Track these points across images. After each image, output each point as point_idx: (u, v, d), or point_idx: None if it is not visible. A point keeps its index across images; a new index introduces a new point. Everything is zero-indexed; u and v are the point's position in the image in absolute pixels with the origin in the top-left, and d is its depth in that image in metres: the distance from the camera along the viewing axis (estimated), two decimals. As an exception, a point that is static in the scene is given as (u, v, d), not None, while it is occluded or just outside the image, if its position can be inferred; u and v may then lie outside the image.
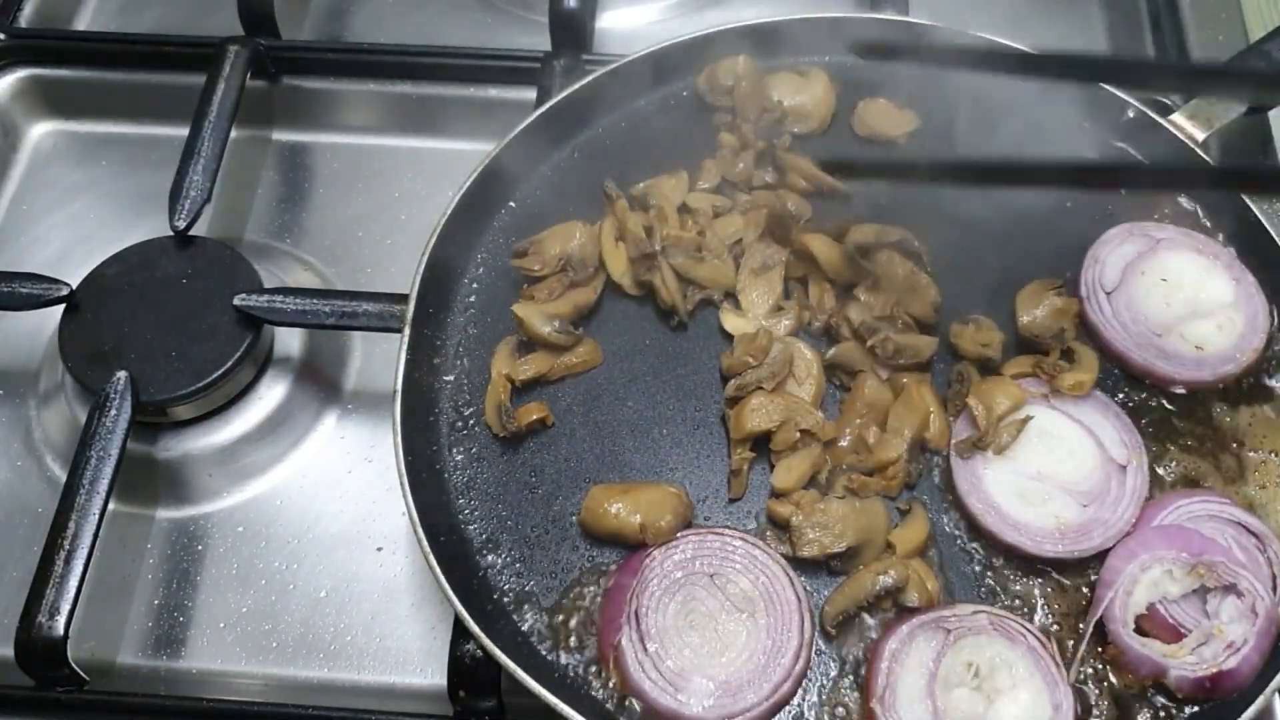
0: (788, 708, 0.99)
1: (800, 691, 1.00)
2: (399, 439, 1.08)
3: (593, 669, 1.02)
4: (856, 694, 1.00)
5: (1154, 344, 1.15)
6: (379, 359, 1.32)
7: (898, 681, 0.98)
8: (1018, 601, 1.04)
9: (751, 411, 1.09)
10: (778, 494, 1.08)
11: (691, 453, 1.13)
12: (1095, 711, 0.99)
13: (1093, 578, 1.04)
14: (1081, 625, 1.02)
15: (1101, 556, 1.05)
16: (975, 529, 1.07)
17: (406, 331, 1.14)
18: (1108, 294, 1.18)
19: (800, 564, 1.04)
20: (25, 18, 1.56)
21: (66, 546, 1.09)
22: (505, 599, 1.06)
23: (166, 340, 1.21)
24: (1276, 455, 1.11)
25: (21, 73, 1.51)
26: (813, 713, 1.00)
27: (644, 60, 1.31)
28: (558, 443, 1.14)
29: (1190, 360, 1.14)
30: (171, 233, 1.28)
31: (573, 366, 1.17)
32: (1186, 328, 1.15)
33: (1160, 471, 1.10)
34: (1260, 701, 0.97)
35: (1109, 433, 1.09)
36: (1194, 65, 1.17)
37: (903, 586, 1.01)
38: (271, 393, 1.26)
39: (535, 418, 1.13)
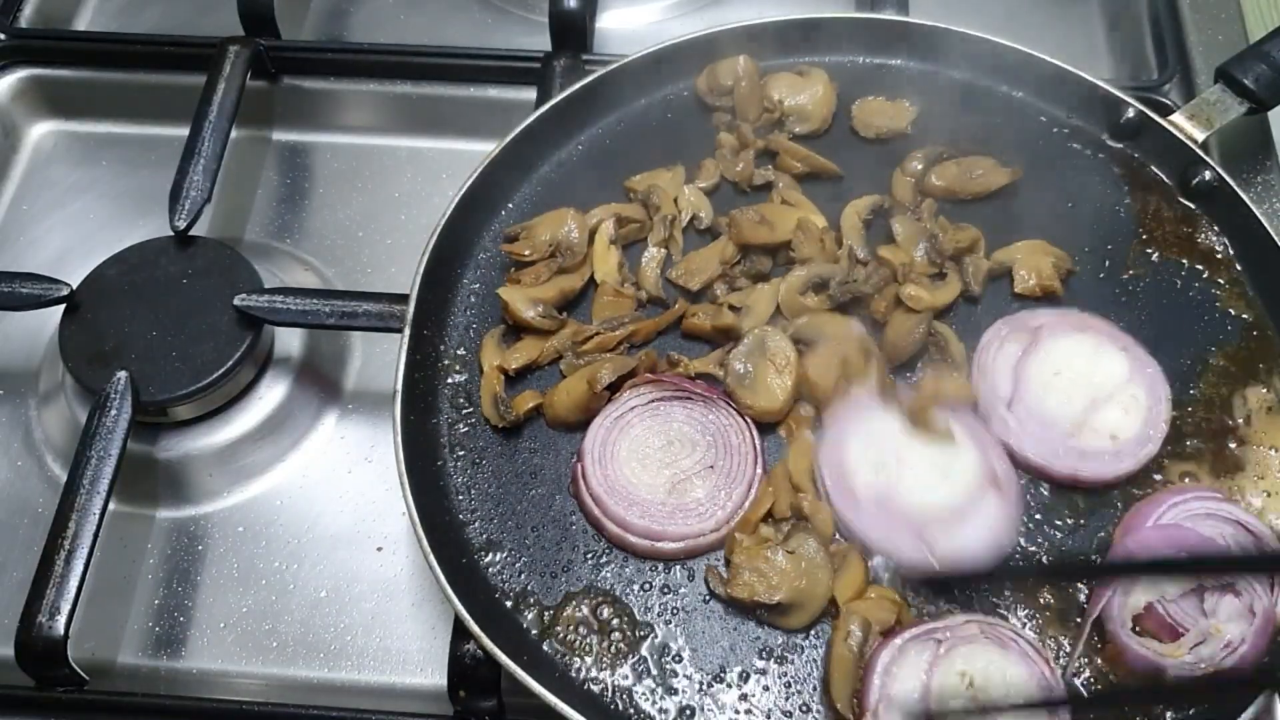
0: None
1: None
2: (399, 439, 1.08)
3: (593, 668, 1.02)
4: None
5: (1071, 447, 1.09)
6: (379, 359, 1.32)
7: (891, 695, 0.97)
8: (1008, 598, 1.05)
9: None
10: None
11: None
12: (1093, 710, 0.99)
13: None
14: (1079, 619, 1.03)
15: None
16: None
17: (406, 331, 1.14)
18: (1008, 406, 1.11)
19: (735, 606, 1.04)
20: (25, 18, 1.55)
21: (67, 546, 1.09)
22: (505, 599, 1.06)
23: (166, 340, 1.21)
24: (1275, 451, 1.11)
25: (21, 73, 1.51)
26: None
27: (644, 60, 1.31)
28: (557, 441, 1.14)
29: (1109, 454, 1.09)
30: (171, 233, 1.28)
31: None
32: (1095, 419, 1.10)
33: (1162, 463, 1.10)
34: (1260, 701, 0.97)
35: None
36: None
37: (869, 628, 1.01)
38: (271, 393, 1.26)
39: (531, 405, 1.13)
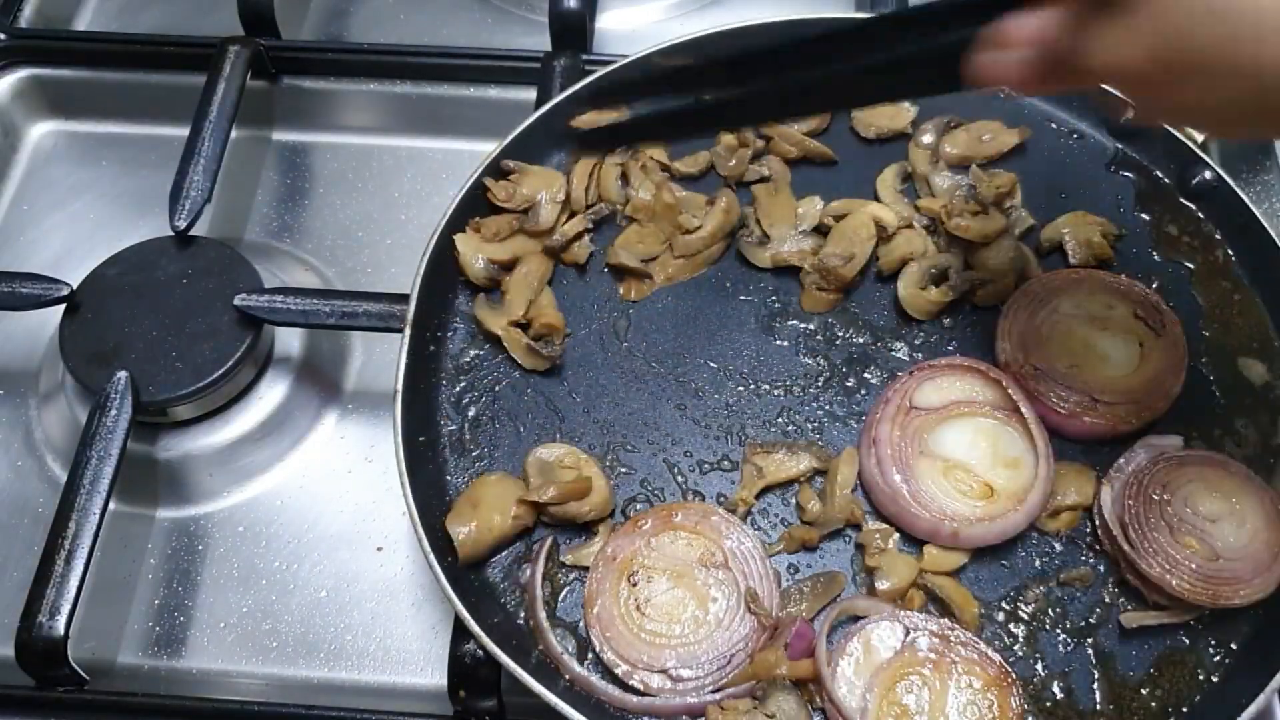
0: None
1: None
2: (399, 439, 1.08)
3: (593, 667, 1.02)
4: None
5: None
6: (379, 359, 1.32)
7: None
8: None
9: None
10: None
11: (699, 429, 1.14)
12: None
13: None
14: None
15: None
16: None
17: (407, 331, 1.14)
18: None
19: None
20: (25, 18, 1.55)
21: (67, 546, 1.09)
22: (505, 599, 1.06)
23: (167, 340, 1.21)
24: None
25: (21, 73, 1.51)
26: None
27: (644, 60, 1.31)
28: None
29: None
30: (171, 233, 1.28)
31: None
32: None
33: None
34: (1260, 700, 0.96)
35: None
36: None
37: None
38: (271, 393, 1.26)
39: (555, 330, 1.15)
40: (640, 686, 0.98)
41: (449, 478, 1.12)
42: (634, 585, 1.02)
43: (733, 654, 0.99)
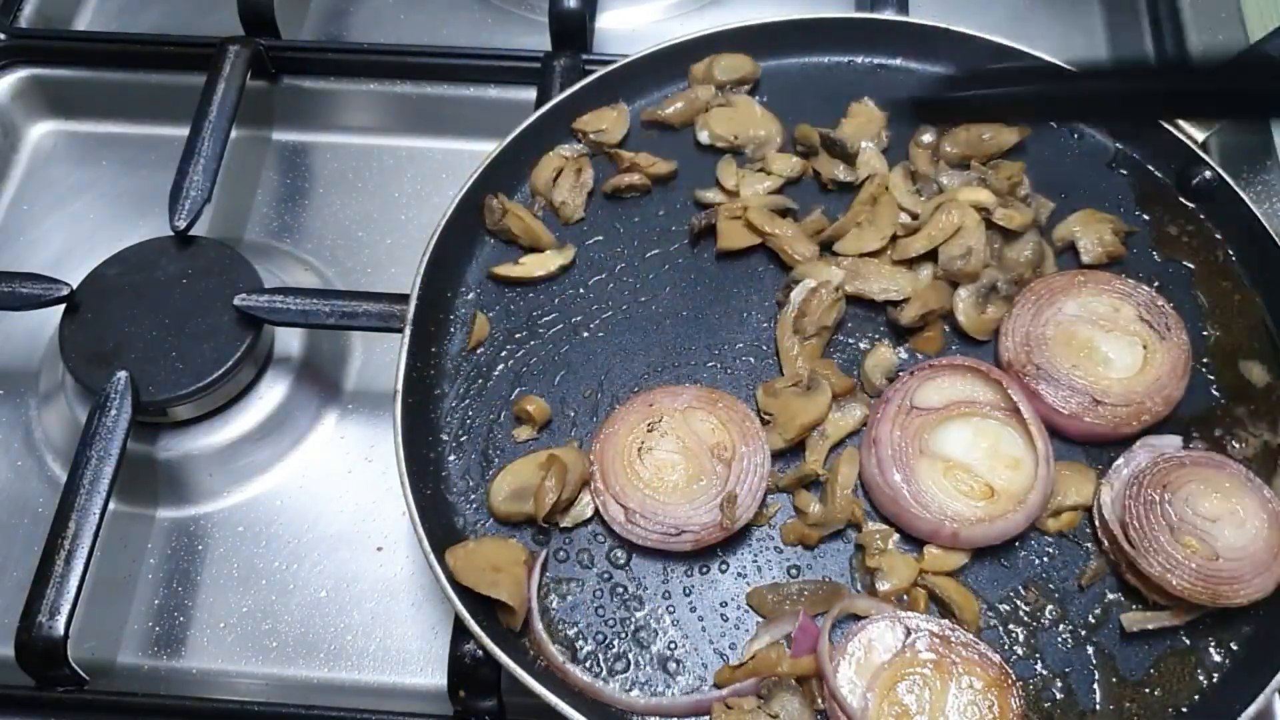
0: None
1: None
2: (399, 439, 1.08)
3: (593, 667, 1.02)
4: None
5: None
6: (379, 359, 1.32)
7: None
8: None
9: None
10: None
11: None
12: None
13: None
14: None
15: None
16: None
17: (407, 331, 1.14)
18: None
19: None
20: (25, 18, 1.55)
21: (67, 546, 1.09)
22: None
23: (167, 340, 1.21)
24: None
25: (21, 73, 1.51)
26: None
27: (644, 60, 1.31)
28: (558, 441, 1.14)
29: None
30: (171, 233, 1.28)
31: None
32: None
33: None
34: (1260, 700, 0.96)
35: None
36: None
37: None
38: (271, 393, 1.26)
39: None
40: (599, 508, 1.06)
41: (449, 477, 1.12)
42: (649, 432, 1.08)
43: (684, 530, 1.04)
